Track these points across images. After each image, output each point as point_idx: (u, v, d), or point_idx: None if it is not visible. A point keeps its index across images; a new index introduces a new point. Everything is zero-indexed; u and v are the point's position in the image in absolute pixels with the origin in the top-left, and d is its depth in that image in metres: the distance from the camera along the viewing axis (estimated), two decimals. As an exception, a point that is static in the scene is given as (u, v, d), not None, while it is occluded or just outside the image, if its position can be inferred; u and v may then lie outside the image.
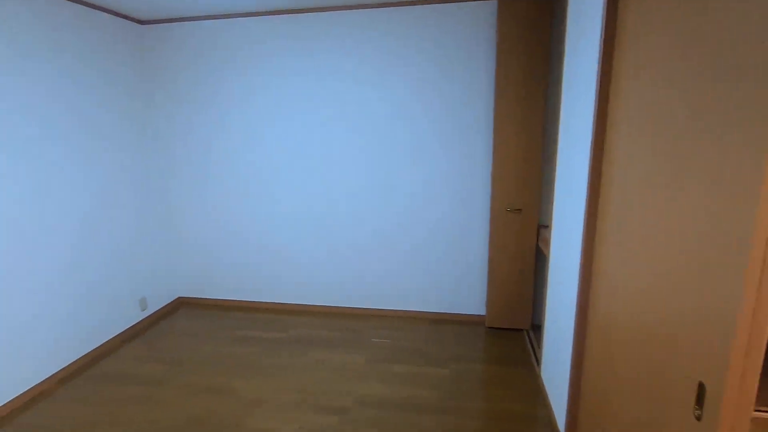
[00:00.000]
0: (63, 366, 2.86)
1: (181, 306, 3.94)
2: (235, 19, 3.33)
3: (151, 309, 3.70)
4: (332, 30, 3.23)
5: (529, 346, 3.14)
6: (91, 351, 3.08)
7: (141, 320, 3.56)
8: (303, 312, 3.77)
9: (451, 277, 3.50)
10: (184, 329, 3.49)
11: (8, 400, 2.50)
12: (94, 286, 3.10)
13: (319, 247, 3.65)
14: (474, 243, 3.41)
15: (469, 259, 3.44)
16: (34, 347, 2.66)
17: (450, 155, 3.29)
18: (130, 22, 3.37)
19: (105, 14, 3.12)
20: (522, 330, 3.39)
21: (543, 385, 2.60)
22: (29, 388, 2.63)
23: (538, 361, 2.85)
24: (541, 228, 3.21)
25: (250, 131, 3.53)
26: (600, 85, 1.68)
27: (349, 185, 3.49)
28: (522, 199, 3.14)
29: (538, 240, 3.18)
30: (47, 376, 2.74)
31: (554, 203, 2.43)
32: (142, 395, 2.64)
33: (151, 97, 3.61)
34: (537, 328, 3.40)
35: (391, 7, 3.11)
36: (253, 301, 3.89)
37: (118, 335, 3.31)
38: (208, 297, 3.97)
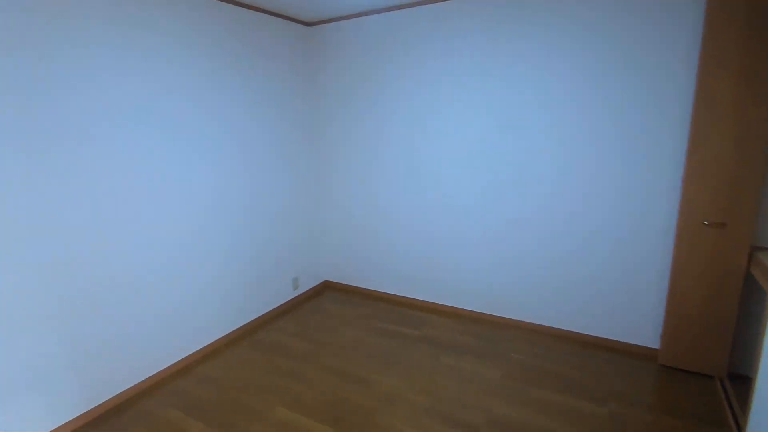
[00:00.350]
0: (231, 330, 3.31)
1: (326, 289, 4.23)
2: (397, 11, 3.33)
3: (302, 289, 4.05)
4: (505, 16, 2.96)
5: (724, 401, 2.43)
6: (253, 320, 3.50)
7: (293, 298, 3.92)
8: (436, 311, 3.65)
9: (614, 295, 2.93)
10: (329, 312, 3.71)
11: (189, 354, 2.99)
12: (257, 262, 3.50)
13: (464, 247, 3.47)
14: (651, 258, 2.78)
15: (641, 276, 2.82)
16: (212, 309, 3.13)
17: (628, 149, 2.72)
18: (297, 24, 3.66)
19: (275, 18, 3.44)
20: (713, 377, 2.65)
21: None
22: (206, 344, 3.10)
23: (740, 426, 2.17)
24: (755, 250, 2.43)
25: (410, 127, 3.51)
26: None
27: (506, 184, 3.20)
28: (727, 209, 2.42)
29: (749, 266, 2.42)
30: (218, 337, 3.21)
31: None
32: (289, 369, 2.87)
33: (318, 91, 3.90)
34: (738, 378, 2.61)
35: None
36: (390, 294, 3.93)
37: (274, 309, 3.71)
38: (349, 284, 4.17)
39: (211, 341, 3.15)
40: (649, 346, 2.88)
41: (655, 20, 2.50)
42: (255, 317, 3.53)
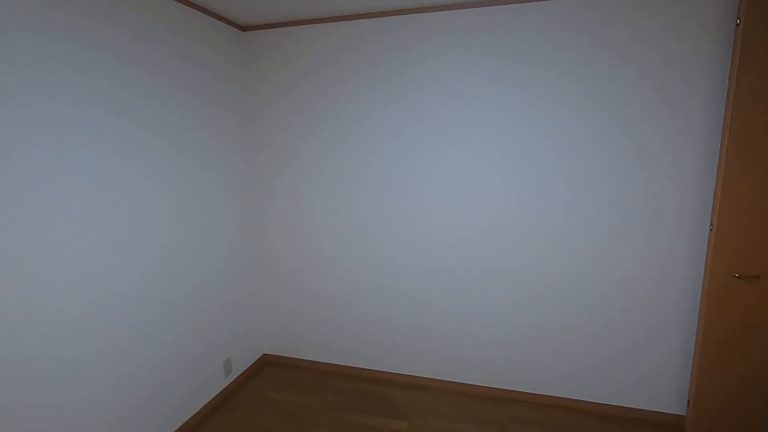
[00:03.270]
0: (137, 461, 2.20)
1: (265, 367, 3.25)
2: (341, 23, 2.69)
3: (237, 371, 3.03)
4: (477, 28, 2.49)
5: (777, 479, 2.14)
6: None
7: (225, 388, 2.89)
8: (421, 387, 2.95)
9: (635, 359, 2.56)
10: (277, 404, 2.77)
11: None
12: (170, 346, 2.45)
13: (448, 306, 2.85)
14: (674, 315, 2.47)
15: (665, 336, 2.49)
16: (105, 442, 2.02)
17: (650, 194, 2.40)
18: (229, 26, 2.81)
19: (201, 14, 2.57)
20: (746, 445, 2.38)
21: None
22: (96, 499, 1.97)
23: None
24: (790, 304, 2.24)
25: (362, 155, 2.83)
26: None
27: (493, 227, 2.68)
28: (761, 260, 2.19)
29: (784, 321, 2.21)
30: (118, 479, 2.08)
31: None
32: None
33: (254, 113, 3.03)
34: (771, 444, 2.38)
35: (570, -1, 2.33)
36: (355, 368, 3.13)
37: (199, 410, 2.65)
38: (297, 357, 3.26)
39: (106, 491, 2.02)
40: (674, 412, 2.54)
41: (680, 61, 2.25)
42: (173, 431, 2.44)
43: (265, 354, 3.35)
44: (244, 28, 2.90)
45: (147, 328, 2.23)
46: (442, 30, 2.54)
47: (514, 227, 2.62)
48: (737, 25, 2.08)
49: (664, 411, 2.56)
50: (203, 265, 2.63)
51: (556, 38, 2.37)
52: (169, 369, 2.39)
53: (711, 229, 2.27)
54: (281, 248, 3.13)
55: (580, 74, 2.38)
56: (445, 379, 2.94)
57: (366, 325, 3.04)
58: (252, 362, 3.20)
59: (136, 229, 2.14)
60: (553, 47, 2.39)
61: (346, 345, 3.12)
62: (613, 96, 2.35)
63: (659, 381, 2.54)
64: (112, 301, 2.02)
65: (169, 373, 2.39)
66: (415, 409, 2.71)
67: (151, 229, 2.23)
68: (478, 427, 2.53)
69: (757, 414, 2.31)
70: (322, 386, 2.98)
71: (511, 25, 2.42)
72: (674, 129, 2.30)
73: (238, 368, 3.04)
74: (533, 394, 2.77)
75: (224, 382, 2.88)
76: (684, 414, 2.54)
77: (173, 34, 2.32)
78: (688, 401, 2.46)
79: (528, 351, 2.73)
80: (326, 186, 2.94)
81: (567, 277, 2.59)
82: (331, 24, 2.73)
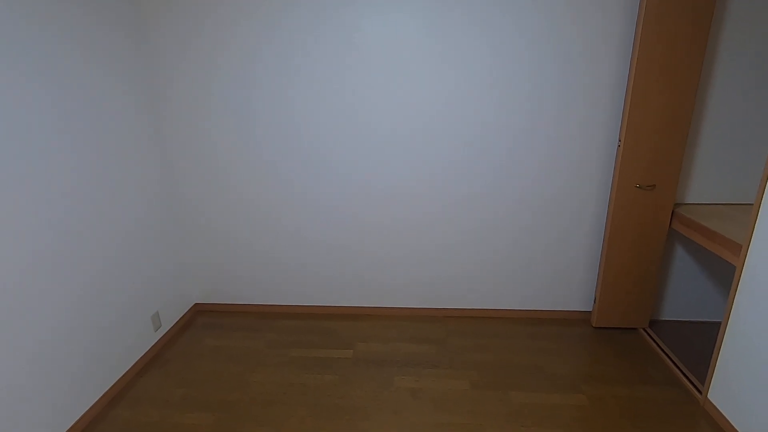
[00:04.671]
0: (71, 424, 2.03)
1: (198, 317, 3.11)
2: None
3: (167, 326, 2.85)
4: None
5: (654, 345, 2.59)
6: (100, 398, 2.24)
7: (155, 344, 2.72)
8: (363, 316, 3.04)
9: (544, 263, 2.85)
10: (217, 350, 2.69)
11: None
12: (89, 304, 2.21)
13: (386, 236, 2.88)
14: (586, 223, 2.74)
15: (578, 243, 2.78)
16: (37, 401, 1.81)
17: (563, 116, 2.52)
18: None
19: None
20: (636, 329, 2.83)
21: (718, 415, 2.05)
22: (23, 474, 1.80)
23: (675, 362, 2.31)
24: (677, 207, 2.58)
25: (286, 82, 2.60)
26: None
27: (415, 137, 2.68)
28: (658, 172, 2.47)
29: (672, 221, 2.56)
30: (46, 450, 1.92)
31: (769, 183, 1.76)
32: (192, 468, 1.88)
33: (154, 45, 2.57)
34: (656, 323, 2.86)
35: None
36: (294, 305, 3.11)
37: (129, 369, 2.48)
38: (232, 302, 3.15)
39: (33, 464, 1.85)
40: (583, 309, 2.92)
41: (593, -32, 2.27)
42: (102, 393, 2.27)
43: (196, 303, 3.18)
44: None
45: (56, 290, 1.95)
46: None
47: (436, 140, 2.64)
48: (651, -59, 2.13)
49: (575, 309, 2.93)
50: (116, 220, 2.32)
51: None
52: (89, 331, 2.16)
53: (619, 146, 2.49)
54: (199, 194, 2.87)
55: (506, -9, 2.32)
56: (384, 306, 3.05)
57: (299, 261, 2.99)
58: (183, 313, 3.03)
59: (45, 191, 1.78)
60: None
61: (281, 284, 3.06)
62: (539, 21, 2.35)
63: (570, 283, 2.87)
64: (18, 263, 1.72)
65: (88, 336, 2.16)
66: (358, 337, 2.80)
67: (61, 188, 1.87)
68: (419, 344, 2.70)
69: (647, 301, 2.73)
70: (262, 328, 2.93)
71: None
72: (589, 55, 2.39)
73: (168, 321, 2.86)
74: (465, 308, 3.00)
75: (154, 337, 2.71)
76: (590, 310, 2.93)
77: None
78: (595, 298, 2.83)
79: (456, 269, 2.90)
80: (237, 124, 2.68)
81: (485, 191, 2.71)
82: None
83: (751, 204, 2.58)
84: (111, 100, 2.32)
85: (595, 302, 2.82)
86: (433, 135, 2.62)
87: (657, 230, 2.58)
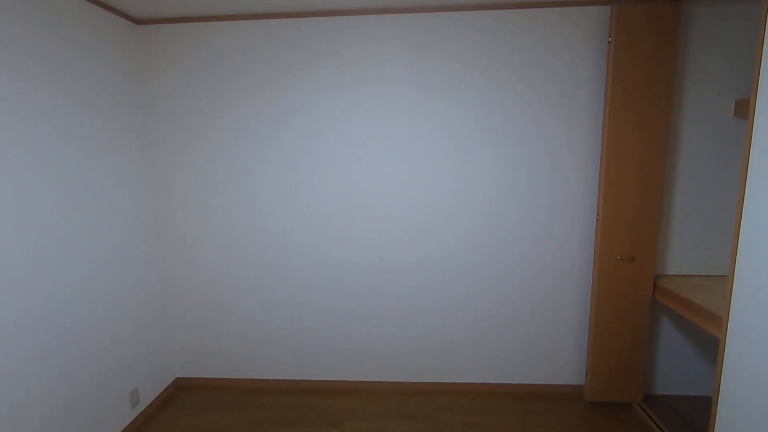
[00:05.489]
0: None
1: (179, 393, 2.98)
2: (251, 21, 2.60)
3: (146, 401, 2.72)
4: (381, 33, 2.57)
5: (650, 421, 2.51)
6: (66, 486, 2.08)
7: (133, 420, 2.58)
8: (350, 392, 2.93)
9: (534, 337, 2.84)
10: (194, 429, 2.54)
11: None
12: (61, 376, 2.13)
13: (368, 307, 2.88)
14: (573, 296, 2.78)
15: (566, 316, 2.80)
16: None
17: (542, 191, 2.68)
18: (124, 20, 2.53)
19: (90, 5, 2.28)
20: (631, 404, 2.76)
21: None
22: None
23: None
24: (658, 278, 2.65)
25: (262, 147, 2.75)
26: None
27: (409, 224, 2.77)
28: (637, 245, 2.57)
29: (654, 293, 2.62)
30: None
31: (740, 243, 1.86)
32: None
33: (148, 103, 2.75)
34: (652, 398, 2.80)
35: (467, 12, 2.51)
36: (280, 380, 3.01)
37: (102, 451, 2.33)
38: (215, 377, 3.04)
39: None
40: (575, 383, 2.87)
41: (566, 63, 2.55)
42: (70, 480, 2.11)
43: (178, 378, 3.06)
44: (138, 21, 2.63)
45: (29, 357, 1.90)
46: (347, 36, 2.58)
47: (427, 224, 2.75)
48: (609, 42, 2.42)
49: (566, 383, 2.87)
50: (98, 292, 2.32)
51: (469, 58, 2.54)
52: (57, 405, 2.07)
53: (597, 219, 2.61)
54: (185, 266, 2.90)
55: (486, 90, 2.58)
56: (372, 380, 2.96)
57: (287, 335, 2.94)
58: (163, 388, 2.91)
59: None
60: (465, 67, 2.55)
61: (268, 357, 2.98)
62: (515, 108, 2.59)
63: (561, 357, 2.84)
64: (-17, 336, 1.69)
65: (55, 410, 2.06)
66: (345, 414, 2.69)
67: (47, 258, 1.91)
68: (408, 422, 2.60)
69: (639, 375, 2.70)
70: (247, 404, 2.81)
71: (423, 35, 2.54)
72: (563, 134, 2.60)
73: (147, 397, 2.74)
74: (456, 383, 2.92)
75: (131, 415, 2.57)
76: (583, 384, 2.87)
77: (62, 21, 2.02)
78: (587, 371, 2.79)
79: (446, 343, 2.88)
80: (230, 189, 2.79)
81: (477, 267, 2.77)
82: (222, 23, 2.60)
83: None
84: (120, 203, 2.43)
85: (587, 376, 2.78)
86: (432, 224, 2.74)
87: (641, 302, 2.63)
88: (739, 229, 1.83)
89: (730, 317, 1.92)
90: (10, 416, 1.80)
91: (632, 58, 2.38)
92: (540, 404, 2.76)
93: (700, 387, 2.84)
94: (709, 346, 2.80)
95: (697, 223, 2.64)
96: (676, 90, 2.51)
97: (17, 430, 1.82)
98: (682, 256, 2.68)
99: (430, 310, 2.85)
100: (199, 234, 2.86)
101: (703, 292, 2.40)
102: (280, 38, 2.61)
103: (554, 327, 2.82)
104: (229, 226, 2.83)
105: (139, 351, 2.66)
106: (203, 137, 2.75)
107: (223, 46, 2.63)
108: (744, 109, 2.46)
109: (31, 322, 1.89)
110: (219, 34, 2.62)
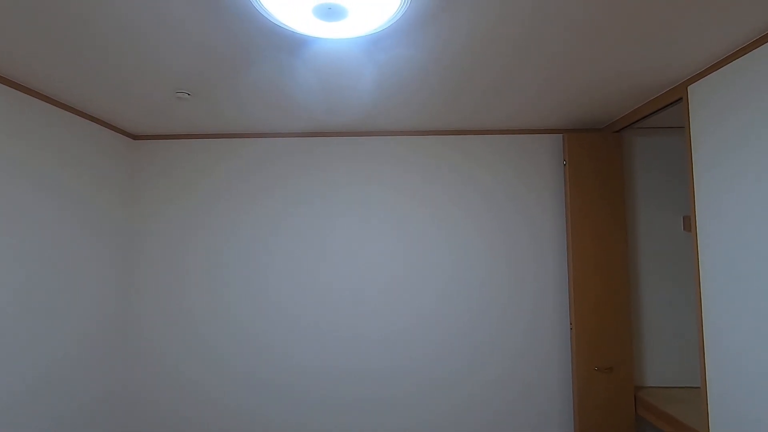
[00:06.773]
0: None
1: None
2: (241, 139, 2.84)
3: None
4: (366, 155, 2.82)
5: None
6: None
7: None
8: None
9: (522, 459, 2.65)
10: None
11: None
12: None
13: (353, 416, 2.68)
14: (549, 408, 2.68)
15: (551, 428, 2.66)
16: None
17: (515, 301, 2.74)
18: (122, 136, 2.73)
19: (91, 123, 2.48)
20: None
21: None
22: None
23: None
24: (638, 390, 2.60)
25: (244, 269, 2.77)
26: None
27: (380, 332, 2.73)
28: (613, 355, 2.57)
29: (636, 407, 2.55)
30: None
31: (706, 357, 1.88)
32: None
33: (136, 219, 2.81)
34: None
35: (441, 136, 2.82)
36: None
37: None
38: None
39: None
40: None
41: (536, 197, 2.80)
42: None
43: None
44: (135, 137, 2.84)
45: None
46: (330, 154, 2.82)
47: (408, 334, 2.72)
48: (564, 165, 2.71)
49: None
50: (61, 395, 2.14)
51: (454, 170, 2.80)
52: None
53: (571, 329, 2.64)
54: (153, 376, 2.72)
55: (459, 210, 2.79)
56: None
57: (256, 459, 2.67)
58: None
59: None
60: (453, 178, 2.80)
61: (230, 487, 2.66)
62: (493, 230, 2.78)
63: (551, 480, 2.63)
64: None
65: None
66: None
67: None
68: None
69: (634, 502, 2.50)
70: None
71: (404, 154, 2.81)
72: (536, 247, 2.76)
73: None
74: None
75: None
76: None
77: (58, 138, 2.17)
78: (578, 499, 2.57)
79: (431, 466, 2.65)
80: (209, 296, 2.76)
81: (459, 376, 2.69)
82: (213, 140, 2.83)
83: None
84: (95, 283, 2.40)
85: (578, 503, 2.55)
86: (412, 330, 2.74)
87: (625, 416, 2.54)
88: (702, 343, 1.89)
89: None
90: None
91: (585, 179, 2.65)
92: None
93: None
94: (702, 465, 2.65)
95: (667, 334, 2.69)
96: (629, 207, 2.75)
97: None
98: (660, 366, 2.67)
99: (412, 420, 2.67)
100: (166, 336, 2.73)
101: (683, 403, 2.36)
102: (259, 156, 2.83)
103: (540, 446, 2.65)
104: (205, 333, 2.73)
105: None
106: (186, 249, 2.79)
107: (203, 160, 2.82)
108: (690, 224, 2.70)
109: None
110: (201, 149, 2.83)
